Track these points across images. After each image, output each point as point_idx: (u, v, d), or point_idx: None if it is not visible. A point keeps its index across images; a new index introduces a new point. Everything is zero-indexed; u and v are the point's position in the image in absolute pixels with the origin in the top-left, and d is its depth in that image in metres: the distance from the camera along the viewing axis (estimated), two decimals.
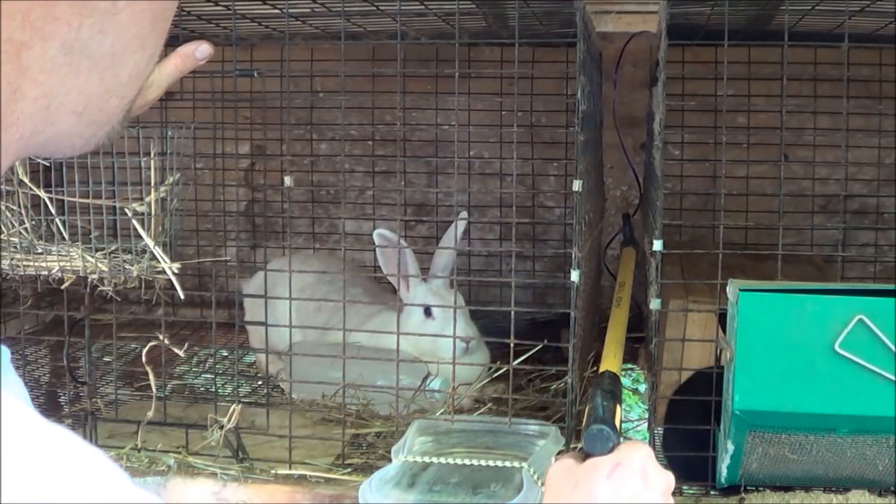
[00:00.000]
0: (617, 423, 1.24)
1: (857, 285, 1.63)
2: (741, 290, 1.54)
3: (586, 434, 1.19)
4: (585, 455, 1.19)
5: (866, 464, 1.63)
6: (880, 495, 1.68)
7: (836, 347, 1.50)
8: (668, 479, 1.17)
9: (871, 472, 1.65)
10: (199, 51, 1.66)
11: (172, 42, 1.75)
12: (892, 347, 1.49)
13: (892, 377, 1.50)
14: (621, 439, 1.21)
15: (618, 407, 1.29)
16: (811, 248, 2.64)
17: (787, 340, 1.52)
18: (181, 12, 1.90)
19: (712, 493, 1.73)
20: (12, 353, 2.22)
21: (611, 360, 1.53)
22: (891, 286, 1.51)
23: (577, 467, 1.18)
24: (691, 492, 1.76)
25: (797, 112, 2.55)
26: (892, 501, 1.67)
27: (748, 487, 1.74)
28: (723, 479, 1.68)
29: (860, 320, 1.49)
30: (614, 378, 1.41)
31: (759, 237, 2.53)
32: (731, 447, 1.62)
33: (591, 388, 1.36)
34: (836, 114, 2.29)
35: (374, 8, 1.99)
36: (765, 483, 1.73)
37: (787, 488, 1.72)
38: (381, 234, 2.14)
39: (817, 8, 1.93)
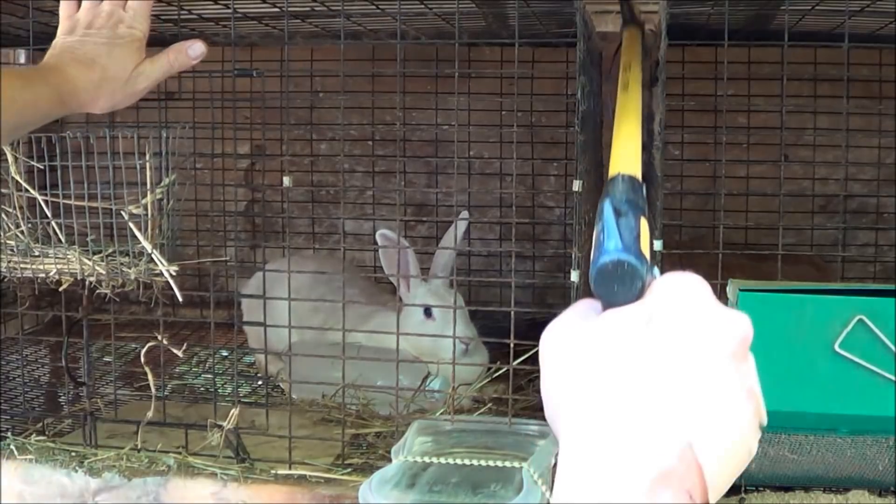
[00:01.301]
0: (644, 249, 0.72)
1: (857, 285, 1.63)
2: (741, 290, 1.53)
3: (594, 273, 0.70)
4: (606, 305, 0.70)
5: (866, 464, 1.63)
6: (880, 495, 1.68)
7: (836, 347, 1.49)
8: (741, 328, 0.66)
9: (871, 472, 1.65)
10: (192, 48, 1.65)
11: (171, 41, 1.74)
12: (892, 347, 1.49)
13: (892, 377, 1.49)
14: (656, 272, 0.72)
15: (644, 224, 0.76)
16: (811, 248, 2.64)
17: (787, 340, 1.52)
18: (182, 12, 1.90)
19: None
20: (12, 353, 2.21)
21: (627, 160, 0.95)
22: (891, 286, 1.51)
23: (582, 328, 0.68)
24: None
25: (797, 112, 2.55)
26: (892, 501, 1.67)
27: (748, 487, 1.73)
28: None
29: (860, 320, 1.49)
30: (633, 183, 0.83)
31: (759, 237, 2.53)
32: None
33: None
34: (836, 114, 2.29)
35: (375, 7, 1.98)
36: (765, 483, 1.73)
37: (787, 488, 1.72)
38: (383, 234, 2.14)
39: (817, 8, 1.93)
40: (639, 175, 0.87)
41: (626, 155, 0.95)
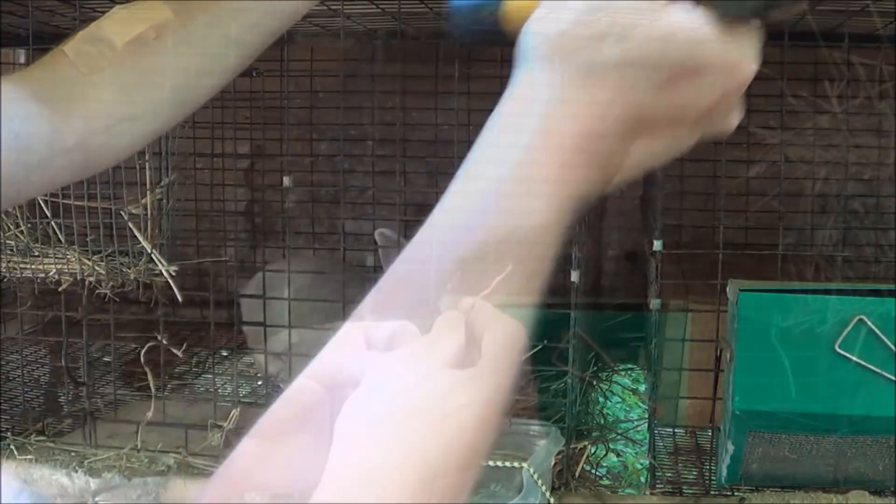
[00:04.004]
0: None
1: (857, 285, 1.63)
2: (741, 290, 1.53)
3: None
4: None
5: (866, 464, 1.63)
6: (880, 495, 1.68)
7: (836, 347, 1.50)
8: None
9: (871, 472, 1.65)
10: None
11: None
12: (893, 347, 1.49)
13: (893, 377, 1.49)
14: None
15: None
16: (811, 248, 2.63)
17: (787, 340, 1.52)
18: None
19: (712, 492, 1.73)
20: (12, 353, 2.22)
21: None
22: (891, 286, 1.51)
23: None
24: (691, 492, 1.76)
25: (797, 112, 2.54)
26: (892, 501, 1.67)
27: (748, 488, 1.73)
28: (723, 480, 1.67)
29: (860, 320, 1.49)
30: None
31: (759, 237, 2.53)
32: (731, 447, 1.62)
33: None
34: (836, 114, 2.29)
35: (375, 7, 1.98)
36: (765, 483, 1.73)
37: (787, 488, 1.72)
38: (382, 233, 2.14)
39: (817, 8, 1.92)
40: None
41: None
